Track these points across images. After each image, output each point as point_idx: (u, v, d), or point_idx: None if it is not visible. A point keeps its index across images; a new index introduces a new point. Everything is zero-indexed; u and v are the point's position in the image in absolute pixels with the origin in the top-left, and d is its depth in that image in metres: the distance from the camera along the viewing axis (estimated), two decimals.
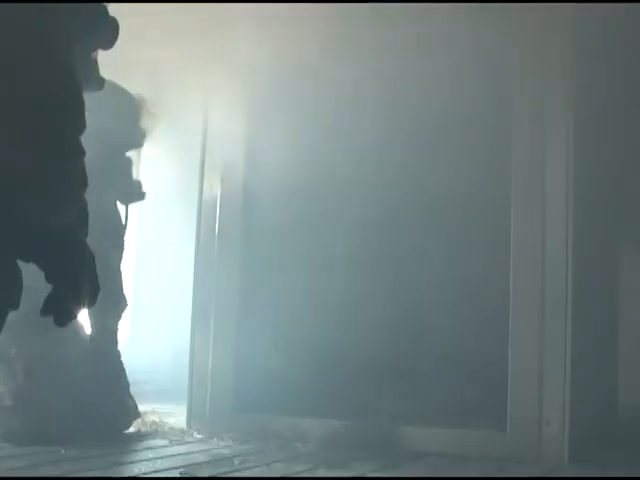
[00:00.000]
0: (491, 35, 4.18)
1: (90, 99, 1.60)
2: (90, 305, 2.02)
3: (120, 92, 4.34)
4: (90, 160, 1.54)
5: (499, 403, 4.01)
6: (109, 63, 2.06)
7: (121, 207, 4.51)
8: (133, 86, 4.43)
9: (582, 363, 4.08)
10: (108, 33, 1.68)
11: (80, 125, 1.70)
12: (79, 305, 1.95)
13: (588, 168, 4.24)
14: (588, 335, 4.26)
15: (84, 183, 1.73)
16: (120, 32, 1.82)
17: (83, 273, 1.91)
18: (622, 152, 4.95)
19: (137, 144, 4.63)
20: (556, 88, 4.10)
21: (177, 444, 4.16)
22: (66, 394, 4.02)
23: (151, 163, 5.45)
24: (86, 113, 1.56)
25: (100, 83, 2.32)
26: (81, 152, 1.71)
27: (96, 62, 1.81)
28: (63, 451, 3.72)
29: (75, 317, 1.97)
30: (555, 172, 4.05)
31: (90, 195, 1.58)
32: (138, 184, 4.63)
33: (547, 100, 4.11)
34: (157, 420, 4.59)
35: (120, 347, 4.44)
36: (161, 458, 3.73)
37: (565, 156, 4.03)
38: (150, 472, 3.42)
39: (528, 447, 3.93)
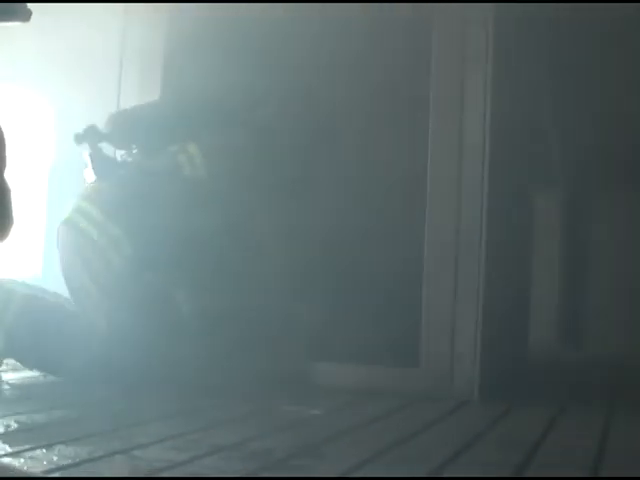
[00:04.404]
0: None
1: None
2: (2, 238, 1.96)
3: None
4: None
5: (412, 339, 4.03)
6: None
7: None
8: None
9: (495, 300, 4.12)
10: None
11: None
12: None
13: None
14: (501, 273, 4.30)
15: None
16: None
17: None
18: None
19: None
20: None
21: None
22: None
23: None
24: None
25: (27, 13, 2.20)
26: None
27: None
28: None
29: None
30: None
31: None
32: None
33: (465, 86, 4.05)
34: None
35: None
36: None
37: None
38: None
39: (440, 383, 3.96)
